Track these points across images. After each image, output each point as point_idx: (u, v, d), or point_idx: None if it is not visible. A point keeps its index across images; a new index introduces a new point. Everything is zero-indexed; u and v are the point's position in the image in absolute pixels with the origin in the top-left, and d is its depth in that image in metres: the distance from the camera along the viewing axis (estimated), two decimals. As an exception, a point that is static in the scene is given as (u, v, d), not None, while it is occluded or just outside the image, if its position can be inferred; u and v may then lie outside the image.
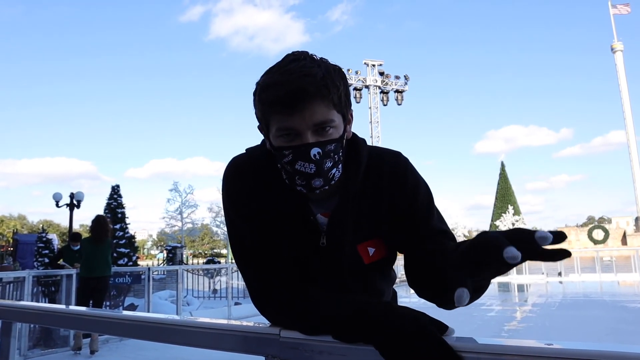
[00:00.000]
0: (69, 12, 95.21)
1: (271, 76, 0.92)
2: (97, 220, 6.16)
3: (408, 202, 1.03)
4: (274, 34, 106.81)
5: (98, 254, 6.05)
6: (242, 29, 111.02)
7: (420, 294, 0.98)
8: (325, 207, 1.02)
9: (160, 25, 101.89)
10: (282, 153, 0.93)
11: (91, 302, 6.01)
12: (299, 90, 0.87)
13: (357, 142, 1.04)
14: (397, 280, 1.14)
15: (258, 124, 1.00)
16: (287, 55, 0.95)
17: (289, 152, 0.91)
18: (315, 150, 0.90)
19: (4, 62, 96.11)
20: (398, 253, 1.10)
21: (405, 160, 1.07)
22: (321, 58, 0.95)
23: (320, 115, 0.90)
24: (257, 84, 0.95)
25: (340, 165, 0.96)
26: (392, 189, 1.03)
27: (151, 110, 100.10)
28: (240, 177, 1.02)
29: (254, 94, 0.96)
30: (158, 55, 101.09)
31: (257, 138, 1.07)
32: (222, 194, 1.03)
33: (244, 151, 1.08)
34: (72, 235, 7.53)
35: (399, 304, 0.93)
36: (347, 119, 0.98)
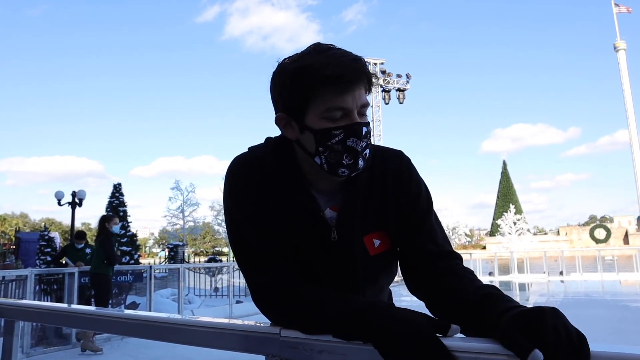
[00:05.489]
0: (86, 11, 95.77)
1: (319, 58, 0.91)
2: (100, 219, 6.28)
3: (410, 203, 1.04)
4: (288, 33, 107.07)
5: (94, 252, 6.31)
6: (257, 29, 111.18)
7: (415, 295, 1.02)
8: (331, 202, 1.03)
9: (176, 25, 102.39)
10: (331, 133, 0.92)
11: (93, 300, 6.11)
12: (356, 71, 0.90)
13: None
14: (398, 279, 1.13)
15: (278, 113, 0.98)
16: (318, 44, 0.96)
17: (340, 131, 0.92)
18: (365, 129, 0.94)
19: (19, 61, 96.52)
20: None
21: (408, 160, 1.08)
22: None
23: (364, 97, 0.94)
24: (300, 67, 0.91)
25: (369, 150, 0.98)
26: (397, 189, 1.04)
27: (162, 109, 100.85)
28: (246, 176, 1.01)
29: (294, 77, 0.92)
30: (173, 55, 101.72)
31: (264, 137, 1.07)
32: (225, 193, 1.01)
33: (247, 150, 1.07)
34: (77, 234, 7.53)
35: (400, 302, 0.93)
36: None
